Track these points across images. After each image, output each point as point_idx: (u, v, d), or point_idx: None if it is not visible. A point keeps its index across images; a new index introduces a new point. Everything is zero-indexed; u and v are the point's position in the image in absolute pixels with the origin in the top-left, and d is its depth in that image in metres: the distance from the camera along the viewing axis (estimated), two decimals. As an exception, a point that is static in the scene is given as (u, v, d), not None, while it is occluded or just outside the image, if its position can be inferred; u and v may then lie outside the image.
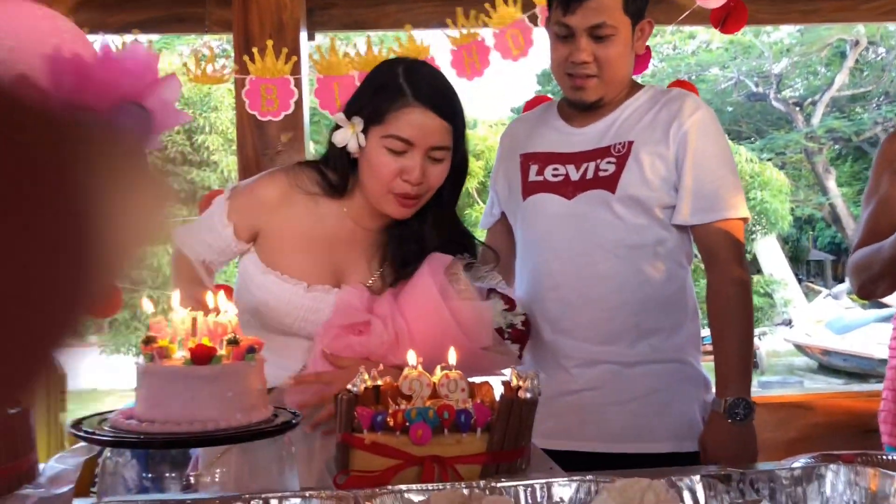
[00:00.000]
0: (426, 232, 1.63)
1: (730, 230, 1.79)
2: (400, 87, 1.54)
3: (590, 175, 1.82)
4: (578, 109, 1.88)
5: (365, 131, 1.55)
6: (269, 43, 2.41)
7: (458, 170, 1.64)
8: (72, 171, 0.37)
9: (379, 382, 1.32)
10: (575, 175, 1.84)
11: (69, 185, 0.36)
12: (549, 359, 1.83)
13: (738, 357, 1.75)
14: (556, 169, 1.87)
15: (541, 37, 2.54)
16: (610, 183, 1.79)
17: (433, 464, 1.13)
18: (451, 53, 2.45)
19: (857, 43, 17.90)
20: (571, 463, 1.72)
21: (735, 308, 1.77)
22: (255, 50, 2.44)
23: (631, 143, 1.80)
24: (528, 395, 1.21)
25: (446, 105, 1.56)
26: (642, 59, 2.57)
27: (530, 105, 2.75)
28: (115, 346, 13.71)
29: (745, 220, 1.83)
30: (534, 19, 2.44)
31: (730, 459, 1.67)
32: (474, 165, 14.02)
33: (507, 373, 1.33)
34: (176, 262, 1.74)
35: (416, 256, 1.61)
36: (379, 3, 2.96)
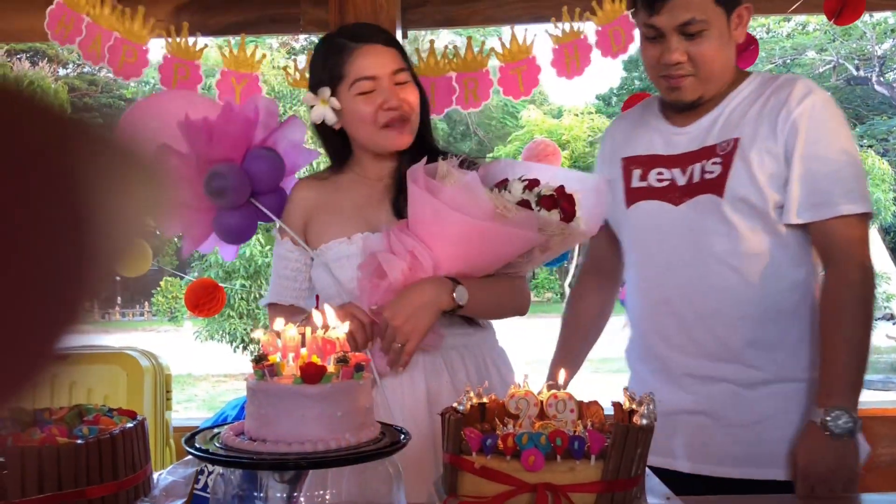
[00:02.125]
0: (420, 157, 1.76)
1: (847, 227, 1.63)
2: (339, 43, 1.74)
3: (696, 178, 1.71)
4: (682, 111, 1.79)
5: (335, 94, 1.72)
6: (366, 45, 2.41)
7: (424, 103, 1.79)
8: (73, 165, 0.38)
9: (485, 400, 1.30)
10: (681, 179, 1.74)
11: (70, 179, 0.37)
12: (663, 375, 1.76)
13: (845, 365, 1.60)
14: (660, 173, 1.77)
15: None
16: (717, 186, 1.68)
17: (546, 492, 1.09)
18: (553, 52, 2.38)
19: (968, 21, 16.84)
20: (687, 485, 1.65)
21: (848, 313, 1.62)
22: (351, 53, 2.44)
23: (737, 139, 1.68)
24: (645, 422, 1.15)
25: (382, 35, 1.77)
26: (750, 54, 2.46)
27: (628, 103, 2.67)
28: (209, 333, 14.17)
29: (866, 215, 1.67)
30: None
31: (821, 476, 1.56)
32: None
33: (620, 395, 1.28)
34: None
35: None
36: (471, -1, 2.92)
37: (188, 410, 11.20)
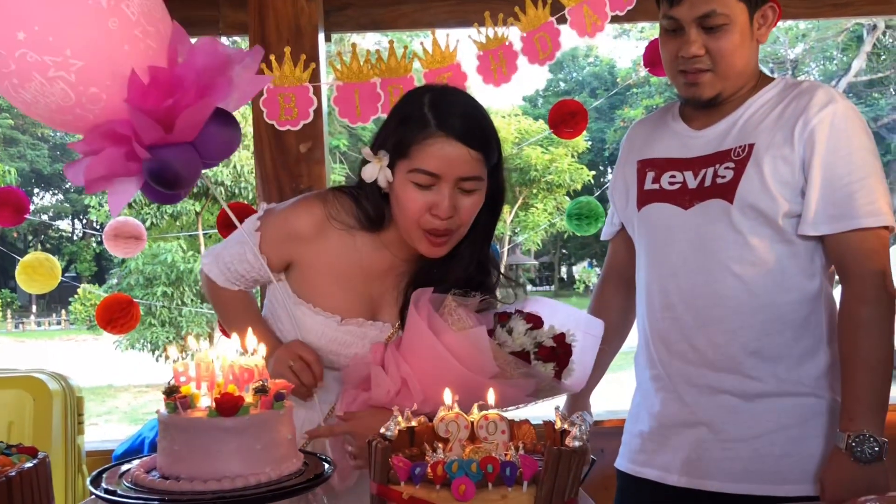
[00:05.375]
0: (454, 262, 1.57)
1: (866, 241, 1.57)
2: (424, 116, 1.47)
3: (707, 182, 1.67)
4: (698, 109, 1.73)
5: (392, 165, 1.49)
6: (287, 50, 2.33)
7: (495, 199, 1.57)
8: None
9: (413, 424, 1.25)
10: (692, 182, 1.69)
11: None
12: (662, 382, 1.72)
13: (867, 387, 1.54)
14: (672, 176, 1.73)
15: (567, 38, 2.45)
16: (727, 191, 1.63)
17: (477, 522, 1.05)
18: (478, 59, 2.35)
19: (874, 27, 17.66)
20: (691, 501, 1.63)
21: (867, 331, 1.55)
22: (272, 57, 2.36)
23: (752, 145, 1.63)
24: (577, 444, 1.12)
25: (474, 133, 1.48)
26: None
27: (555, 110, 2.66)
28: (130, 342, 13.73)
29: (888, 229, 1.59)
30: (562, 21, 2.35)
31: None
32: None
33: (552, 414, 1.25)
34: (222, 297, 1.68)
35: (436, 284, 1.54)
36: (395, 2, 2.88)
37: (109, 424, 10.80)
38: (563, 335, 1.53)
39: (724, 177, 1.65)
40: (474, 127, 1.49)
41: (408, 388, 1.46)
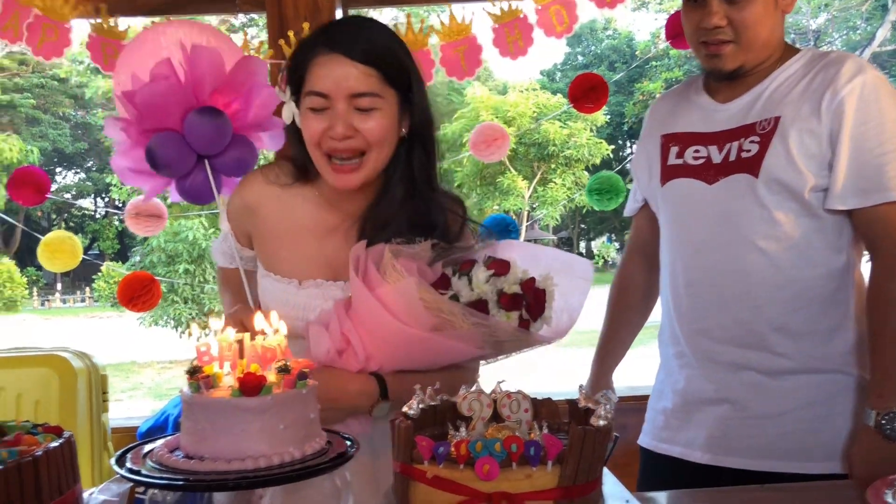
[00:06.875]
0: (386, 204, 1.52)
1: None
2: (311, 42, 1.46)
3: (732, 157, 1.64)
4: (722, 81, 1.70)
5: (297, 102, 1.48)
6: (306, 26, 2.30)
7: (422, 134, 1.52)
8: None
9: (437, 402, 1.25)
10: (717, 157, 1.66)
11: None
12: (689, 360, 1.71)
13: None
14: (697, 151, 1.70)
15: (585, 10, 2.41)
16: (753, 165, 1.60)
17: (502, 501, 1.04)
18: (493, 31, 2.33)
19: (900, -5, 17.28)
20: (714, 478, 1.62)
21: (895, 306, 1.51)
22: (290, 33, 2.34)
23: (778, 118, 1.60)
24: (602, 423, 1.11)
25: (361, 47, 1.42)
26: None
27: (575, 84, 2.63)
28: (154, 319, 13.88)
29: None
30: (579, -7, 2.32)
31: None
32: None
33: (577, 393, 1.24)
34: (220, 274, 1.73)
35: (382, 238, 1.48)
36: (413, -24, 2.85)
37: (133, 400, 10.95)
38: (532, 280, 1.41)
39: (749, 151, 1.61)
40: (360, 40, 1.43)
41: (351, 348, 1.43)
